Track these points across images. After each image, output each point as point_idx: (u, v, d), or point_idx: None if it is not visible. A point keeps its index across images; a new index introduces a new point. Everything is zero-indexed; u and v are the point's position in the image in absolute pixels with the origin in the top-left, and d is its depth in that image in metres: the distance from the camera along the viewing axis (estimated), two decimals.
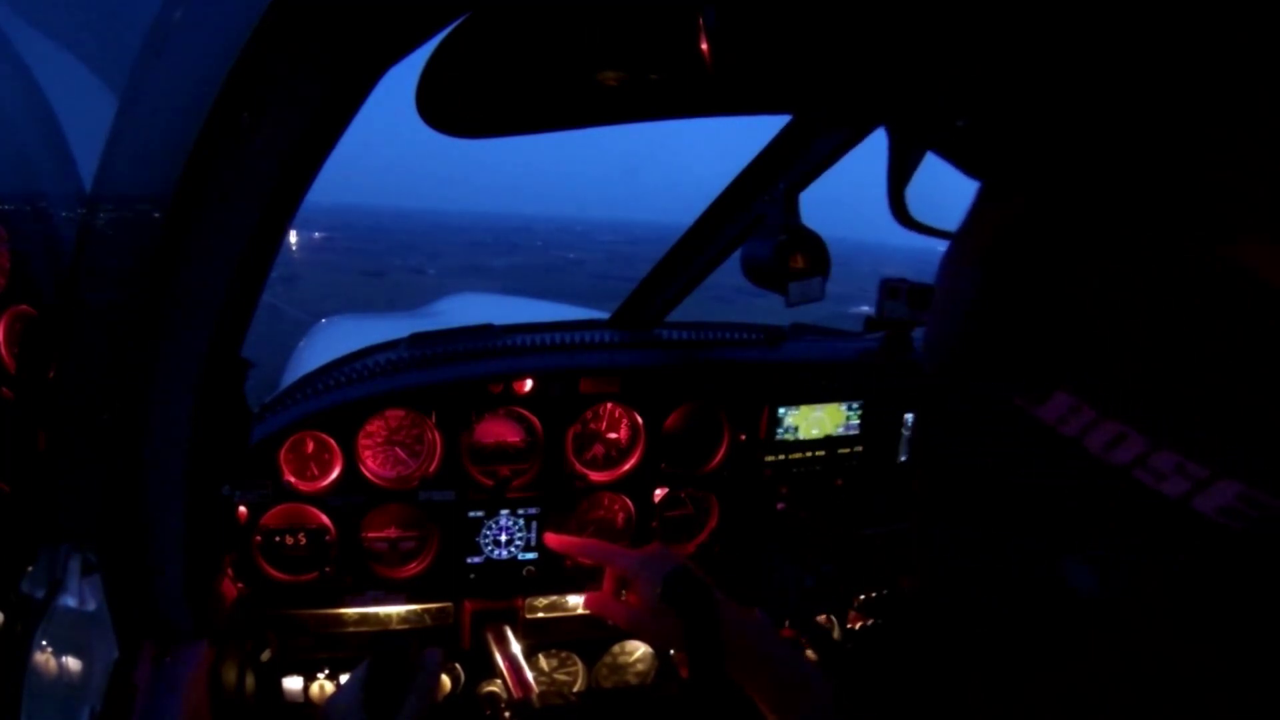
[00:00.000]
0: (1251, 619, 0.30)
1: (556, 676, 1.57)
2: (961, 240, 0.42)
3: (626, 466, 1.52)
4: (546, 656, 1.55)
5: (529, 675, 1.38)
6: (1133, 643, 0.33)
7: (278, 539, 1.36)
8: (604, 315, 1.74)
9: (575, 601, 1.52)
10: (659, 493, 1.55)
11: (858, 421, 1.62)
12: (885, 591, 1.68)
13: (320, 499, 1.36)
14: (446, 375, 1.40)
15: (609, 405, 1.50)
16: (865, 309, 1.71)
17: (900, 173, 0.56)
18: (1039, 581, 0.35)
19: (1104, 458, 0.32)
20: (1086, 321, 0.34)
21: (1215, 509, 0.29)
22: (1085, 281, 0.34)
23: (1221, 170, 0.30)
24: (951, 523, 0.42)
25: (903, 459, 1.65)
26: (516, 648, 1.42)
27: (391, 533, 1.43)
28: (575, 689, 1.57)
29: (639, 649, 1.60)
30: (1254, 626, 0.30)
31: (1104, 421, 0.32)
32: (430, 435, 1.40)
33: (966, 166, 0.40)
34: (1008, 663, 0.38)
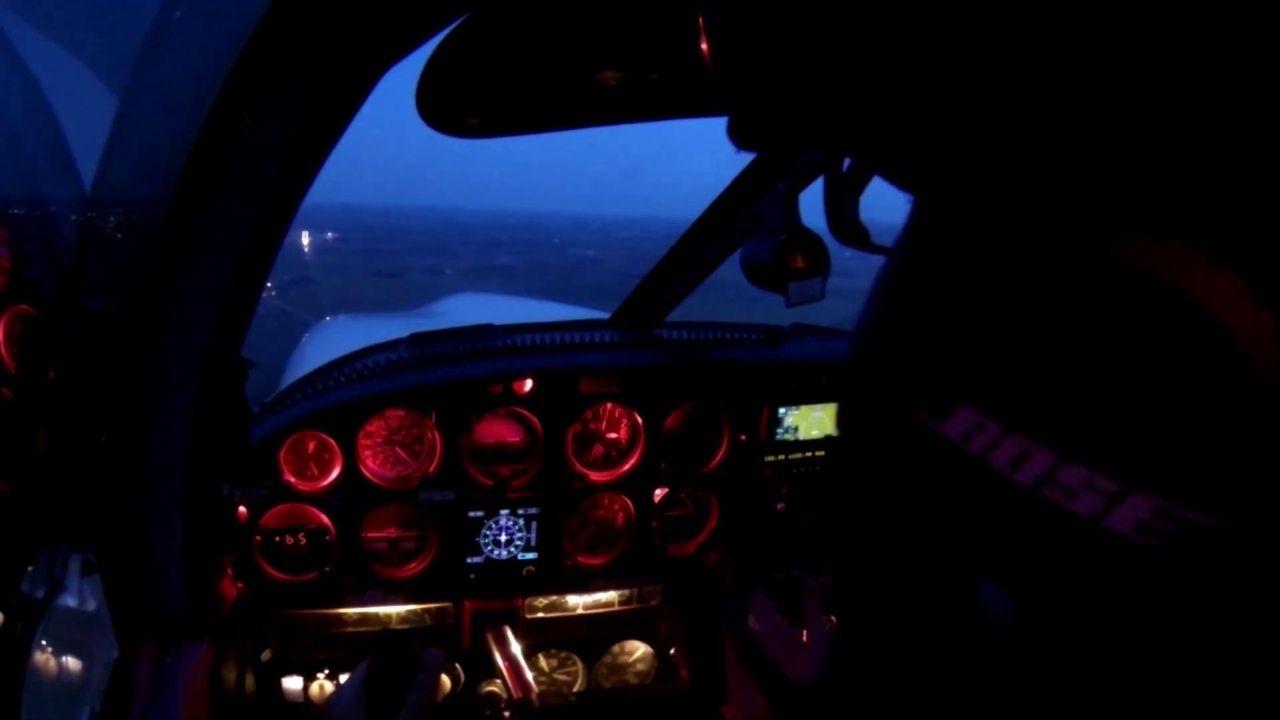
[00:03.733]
0: (1172, 648, 0.28)
1: (556, 676, 1.57)
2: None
3: (626, 466, 1.52)
4: (546, 656, 1.55)
5: (529, 675, 1.38)
6: (1051, 674, 0.30)
7: (278, 539, 1.36)
8: (605, 315, 1.74)
9: (575, 601, 1.52)
10: (659, 493, 1.55)
11: None
12: None
13: (320, 499, 1.36)
14: (446, 375, 1.40)
15: (609, 405, 1.50)
16: None
17: (847, 190, 0.54)
18: (955, 610, 0.33)
19: (1011, 477, 0.30)
20: (984, 328, 0.32)
21: (1131, 526, 0.27)
22: (981, 285, 0.32)
23: (1110, 163, 0.29)
24: (868, 552, 0.39)
25: None
26: (516, 648, 1.42)
27: (391, 533, 1.43)
28: (575, 689, 1.57)
29: (639, 649, 1.60)
30: (1174, 656, 0.28)
31: (1007, 437, 0.30)
32: (430, 435, 1.40)
33: (900, 181, 0.38)
34: (930, 699, 0.36)
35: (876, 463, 0.38)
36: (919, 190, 0.37)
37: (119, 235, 0.78)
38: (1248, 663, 0.27)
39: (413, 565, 1.44)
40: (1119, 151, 0.29)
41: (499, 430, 1.45)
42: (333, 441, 1.34)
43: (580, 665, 1.57)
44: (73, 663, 0.83)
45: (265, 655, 1.33)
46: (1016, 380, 0.30)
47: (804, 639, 0.94)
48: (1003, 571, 0.31)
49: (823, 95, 0.37)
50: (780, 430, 1.57)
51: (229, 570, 1.22)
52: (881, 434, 0.37)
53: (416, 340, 1.49)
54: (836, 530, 0.42)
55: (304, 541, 1.37)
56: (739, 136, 0.42)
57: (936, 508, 0.33)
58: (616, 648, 1.58)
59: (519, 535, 1.47)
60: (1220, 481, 0.26)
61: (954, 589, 0.33)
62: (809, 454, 1.60)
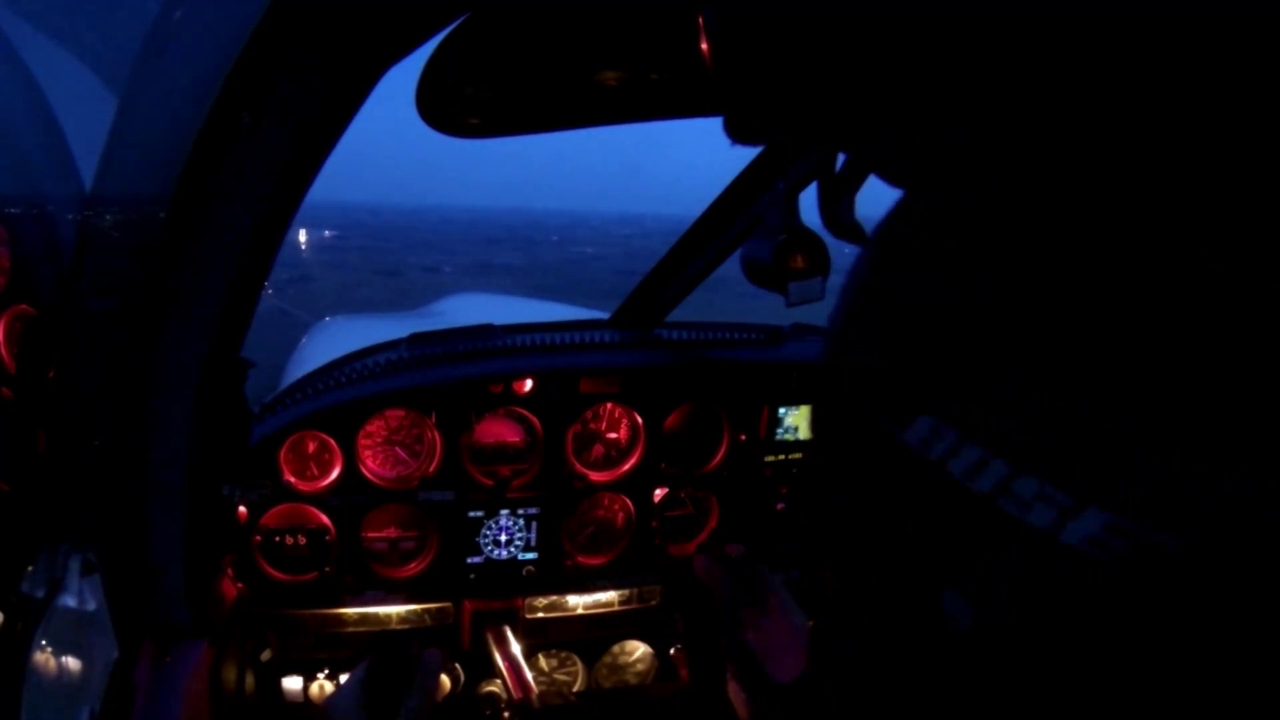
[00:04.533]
0: (1125, 662, 0.28)
1: (556, 676, 1.57)
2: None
3: (626, 466, 1.52)
4: (546, 656, 1.55)
5: (529, 675, 1.38)
6: (1007, 679, 0.30)
7: (278, 539, 1.36)
8: (605, 313, 1.74)
9: (575, 601, 1.52)
10: (659, 493, 1.54)
11: None
12: None
13: (320, 499, 1.36)
14: (446, 375, 1.40)
15: (609, 405, 1.49)
16: None
17: (843, 188, 0.53)
18: (920, 615, 0.33)
19: (968, 485, 0.29)
20: (953, 331, 0.31)
21: (1084, 540, 0.27)
22: (955, 286, 0.32)
23: (1103, 166, 0.28)
24: (838, 557, 0.40)
25: None
26: (516, 648, 1.42)
27: (391, 533, 1.43)
28: (575, 689, 1.57)
29: (639, 649, 1.60)
30: (1127, 669, 0.28)
31: (964, 445, 0.29)
32: (430, 435, 1.40)
33: (896, 180, 0.38)
34: (913, 701, 0.36)
35: (848, 466, 0.38)
36: (913, 189, 0.37)
37: (119, 235, 0.78)
38: (1198, 677, 0.27)
39: (413, 565, 1.44)
40: (1114, 154, 0.29)
41: (499, 430, 1.45)
42: (333, 441, 1.34)
43: (580, 665, 1.57)
44: (73, 663, 0.83)
45: (265, 655, 1.33)
46: (974, 387, 0.30)
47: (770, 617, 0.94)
48: (961, 578, 0.31)
49: (822, 95, 0.37)
50: (780, 430, 1.57)
51: (229, 570, 1.22)
52: (850, 437, 0.37)
53: (416, 340, 1.49)
54: (827, 529, 0.42)
55: (304, 541, 1.37)
56: (735, 132, 0.42)
57: (902, 513, 0.33)
58: (616, 648, 1.58)
59: (519, 535, 1.47)
60: (1176, 499, 0.25)
61: (922, 592, 0.33)
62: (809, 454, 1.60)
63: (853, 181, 0.52)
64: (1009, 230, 0.32)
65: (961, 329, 0.32)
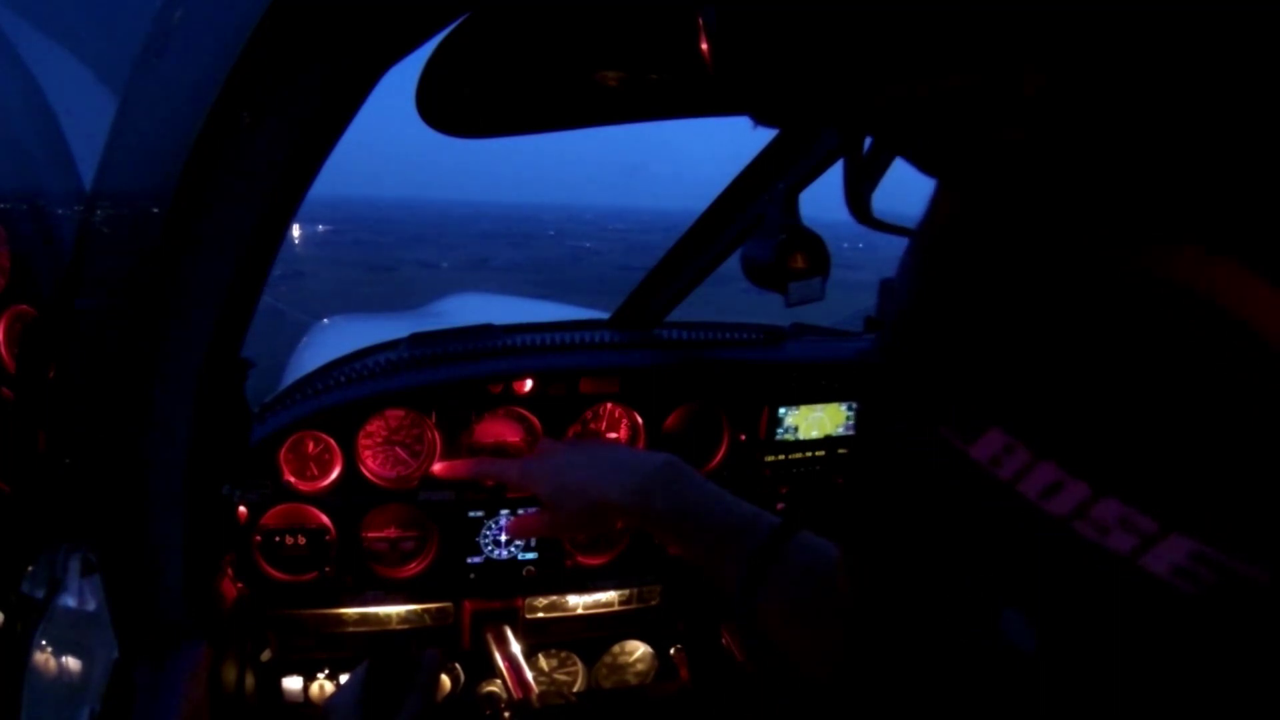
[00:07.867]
0: (1203, 695, 0.26)
1: (556, 676, 1.57)
2: (912, 239, 0.37)
3: None
4: (546, 656, 1.55)
5: (529, 675, 1.38)
6: (1070, 707, 0.29)
7: (278, 539, 1.36)
8: (606, 310, 1.74)
9: (575, 601, 1.52)
10: None
11: None
12: None
13: (320, 499, 1.36)
14: (446, 375, 1.40)
15: (609, 405, 1.49)
16: None
17: (868, 172, 0.51)
18: (974, 631, 0.31)
19: (1041, 506, 0.27)
20: (1016, 343, 0.29)
21: (1168, 569, 0.25)
22: (1013, 295, 0.29)
23: (1142, 166, 0.26)
24: (884, 567, 0.38)
25: None
26: (516, 648, 1.42)
27: (391, 533, 1.43)
28: (575, 689, 1.57)
29: (639, 649, 1.60)
30: (1205, 703, 0.26)
31: (1039, 464, 0.27)
32: (430, 435, 1.40)
33: (921, 163, 0.36)
34: (946, 713, 0.34)
35: (897, 471, 0.36)
36: (946, 177, 0.35)
37: (119, 235, 0.78)
38: None
39: (413, 565, 1.44)
40: (1165, 159, 0.26)
41: (499, 430, 1.44)
42: (333, 441, 1.34)
43: (580, 665, 1.57)
44: (73, 663, 0.83)
45: (265, 655, 1.33)
46: (1049, 401, 0.28)
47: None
48: (1027, 601, 0.29)
49: (829, 92, 0.35)
50: (780, 430, 1.57)
51: (229, 570, 1.22)
52: (903, 445, 0.35)
53: (416, 340, 1.49)
54: (854, 531, 0.41)
55: (304, 541, 1.37)
56: (758, 117, 0.40)
57: (960, 527, 0.32)
58: (616, 648, 1.58)
59: None
60: (1267, 528, 0.24)
61: (975, 610, 0.31)
62: (809, 454, 1.60)
63: (877, 166, 0.50)
64: (1045, 234, 0.30)
65: (995, 340, 0.30)
